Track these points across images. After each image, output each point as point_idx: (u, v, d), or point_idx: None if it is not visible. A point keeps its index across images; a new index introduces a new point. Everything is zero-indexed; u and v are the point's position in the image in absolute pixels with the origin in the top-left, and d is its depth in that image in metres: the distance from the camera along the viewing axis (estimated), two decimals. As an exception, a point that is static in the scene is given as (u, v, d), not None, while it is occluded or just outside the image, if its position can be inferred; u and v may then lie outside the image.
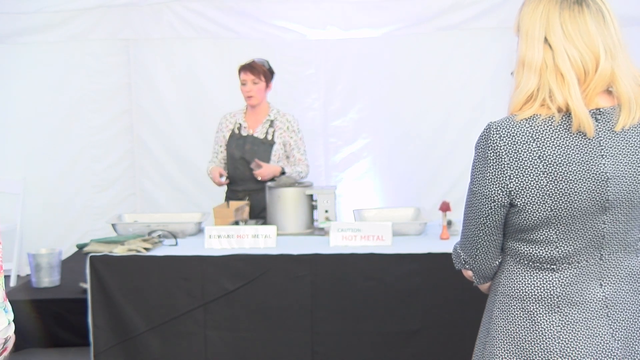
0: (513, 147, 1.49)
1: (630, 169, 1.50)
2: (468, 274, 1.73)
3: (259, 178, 3.80)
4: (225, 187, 4.05)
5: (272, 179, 3.80)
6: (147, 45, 5.55)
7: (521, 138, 1.49)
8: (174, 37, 5.51)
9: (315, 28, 5.48)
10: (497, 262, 1.64)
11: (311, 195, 3.64)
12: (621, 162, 1.49)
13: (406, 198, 5.34)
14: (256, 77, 3.85)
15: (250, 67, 3.86)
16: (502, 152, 1.50)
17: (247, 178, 3.90)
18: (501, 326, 1.60)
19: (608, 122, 1.50)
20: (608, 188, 1.49)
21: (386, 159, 5.60)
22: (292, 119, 3.97)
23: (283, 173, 3.82)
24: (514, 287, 1.59)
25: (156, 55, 5.55)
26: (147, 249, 3.17)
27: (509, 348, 1.57)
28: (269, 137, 3.91)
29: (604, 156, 1.48)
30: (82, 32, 5.50)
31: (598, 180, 1.48)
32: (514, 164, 1.49)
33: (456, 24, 5.32)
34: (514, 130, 1.49)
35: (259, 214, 3.82)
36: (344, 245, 3.17)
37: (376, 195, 5.65)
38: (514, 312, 1.58)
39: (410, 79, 5.47)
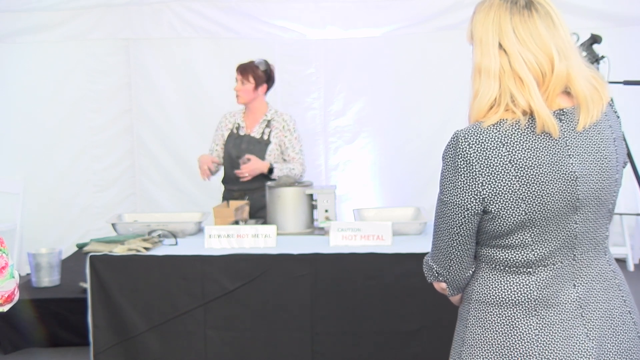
0: (483, 154, 1.49)
1: (596, 166, 1.52)
2: (441, 286, 1.70)
3: (245, 175, 3.77)
4: (222, 187, 4.06)
5: (270, 178, 3.80)
6: (146, 45, 5.55)
7: (490, 144, 1.49)
8: (174, 37, 5.51)
9: (315, 28, 5.49)
10: (471, 271, 1.63)
11: (311, 195, 3.64)
12: (587, 161, 1.51)
13: (406, 198, 5.34)
14: (244, 77, 3.90)
15: (242, 68, 3.93)
16: (473, 160, 1.50)
17: None
18: (478, 334, 1.59)
19: (571, 121, 1.51)
20: (578, 187, 1.50)
21: (386, 159, 5.60)
22: (289, 118, 3.97)
23: (271, 170, 3.82)
24: (489, 293, 1.58)
25: (156, 55, 5.55)
26: (147, 249, 3.17)
27: (487, 355, 1.56)
28: (265, 137, 3.91)
29: (571, 155, 1.50)
30: (82, 31, 5.50)
31: (568, 179, 1.50)
32: (486, 170, 1.49)
33: (456, 24, 5.31)
34: (483, 136, 1.50)
35: (256, 213, 3.82)
36: (344, 245, 3.17)
37: (376, 195, 5.65)
38: (491, 318, 1.57)
39: (410, 78, 5.47)
